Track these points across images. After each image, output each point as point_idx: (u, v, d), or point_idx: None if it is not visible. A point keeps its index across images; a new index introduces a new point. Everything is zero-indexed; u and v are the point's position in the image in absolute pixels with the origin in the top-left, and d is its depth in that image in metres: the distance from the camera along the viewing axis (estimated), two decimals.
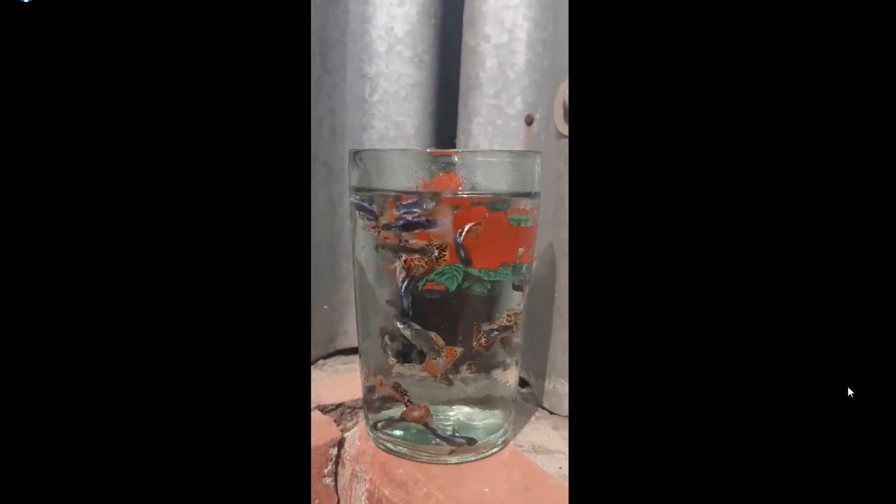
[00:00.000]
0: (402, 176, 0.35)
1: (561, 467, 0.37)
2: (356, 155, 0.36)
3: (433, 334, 0.35)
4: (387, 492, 0.35)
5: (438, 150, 0.35)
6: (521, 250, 0.35)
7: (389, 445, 0.38)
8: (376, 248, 0.35)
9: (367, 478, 0.37)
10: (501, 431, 0.39)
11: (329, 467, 0.41)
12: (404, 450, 0.37)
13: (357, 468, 0.39)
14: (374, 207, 0.35)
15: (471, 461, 0.37)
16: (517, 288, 0.36)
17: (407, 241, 0.34)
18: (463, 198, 0.33)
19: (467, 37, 0.50)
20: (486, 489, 0.34)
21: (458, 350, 0.35)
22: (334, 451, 0.41)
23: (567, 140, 0.42)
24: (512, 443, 0.40)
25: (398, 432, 0.37)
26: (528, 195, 0.36)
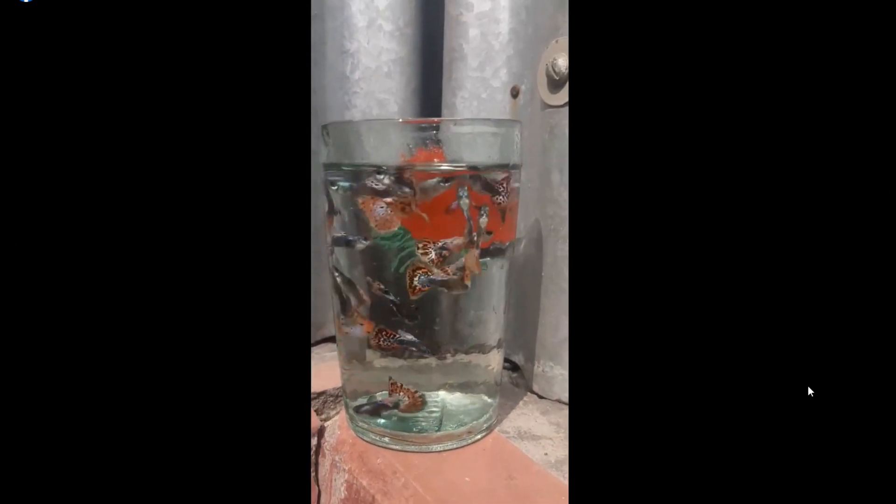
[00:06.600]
0: (384, 149, 0.33)
1: (546, 454, 0.35)
2: (325, 129, 0.34)
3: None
4: (364, 482, 0.34)
5: (412, 119, 0.33)
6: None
7: (372, 436, 0.36)
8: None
9: (346, 468, 0.36)
10: (485, 417, 0.37)
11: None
12: (386, 439, 0.36)
13: (336, 458, 0.37)
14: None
15: (453, 449, 0.35)
16: None
17: None
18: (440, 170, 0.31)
19: (450, 7, 0.47)
20: (467, 478, 0.32)
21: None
22: (314, 441, 0.39)
23: (552, 110, 0.39)
24: (497, 429, 0.38)
25: (381, 421, 0.36)
26: (506, 167, 0.33)
